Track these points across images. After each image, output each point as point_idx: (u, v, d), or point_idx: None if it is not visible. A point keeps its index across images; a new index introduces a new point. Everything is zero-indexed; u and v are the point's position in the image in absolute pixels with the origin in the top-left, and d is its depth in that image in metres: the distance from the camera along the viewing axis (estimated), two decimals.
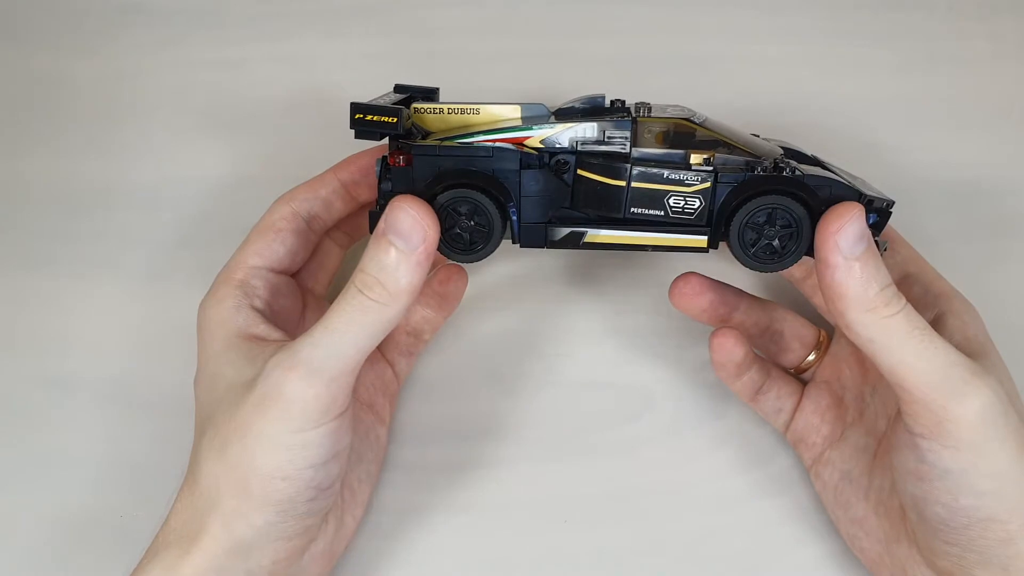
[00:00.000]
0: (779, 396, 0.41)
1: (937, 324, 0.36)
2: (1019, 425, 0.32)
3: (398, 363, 0.43)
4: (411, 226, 0.32)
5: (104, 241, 0.48)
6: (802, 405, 0.41)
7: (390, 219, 0.32)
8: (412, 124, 0.36)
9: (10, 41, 0.52)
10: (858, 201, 0.34)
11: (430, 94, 0.39)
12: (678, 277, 0.40)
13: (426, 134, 0.36)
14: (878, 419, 0.39)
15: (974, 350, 0.34)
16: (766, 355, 0.43)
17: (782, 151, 0.37)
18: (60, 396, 0.45)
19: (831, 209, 0.32)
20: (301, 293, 0.41)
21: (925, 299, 0.37)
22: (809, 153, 0.38)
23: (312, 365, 0.32)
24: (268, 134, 0.50)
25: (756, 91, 0.50)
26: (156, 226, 0.48)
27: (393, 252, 0.32)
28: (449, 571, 0.41)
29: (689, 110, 0.37)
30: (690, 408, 0.44)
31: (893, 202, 0.35)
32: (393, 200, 0.33)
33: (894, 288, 0.32)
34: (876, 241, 0.34)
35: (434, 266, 0.43)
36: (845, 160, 0.46)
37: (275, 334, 0.36)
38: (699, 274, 0.40)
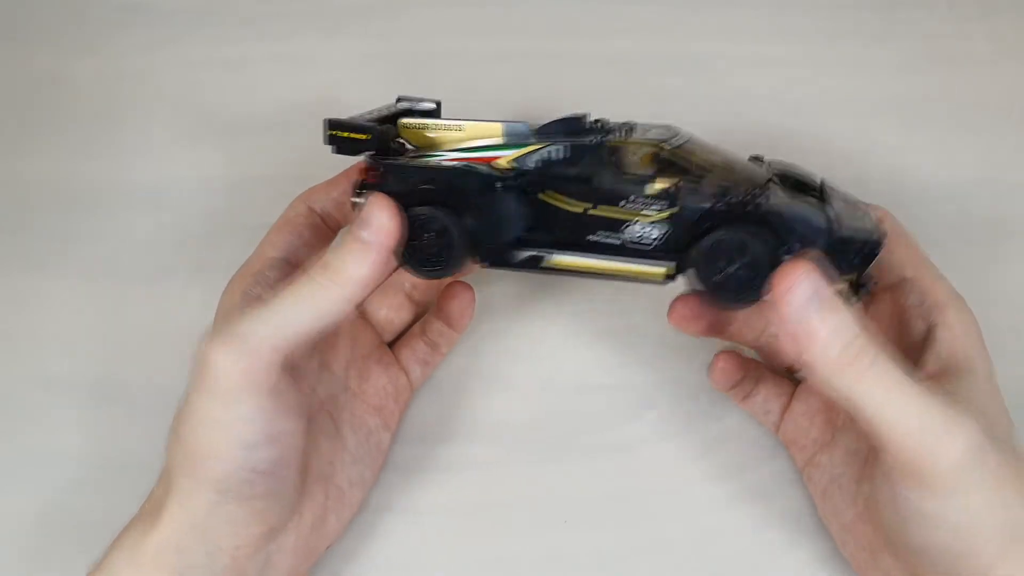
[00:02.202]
0: (767, 398, 0.41)
1: (927, 337, 0.36)
2: (998, 460, 0.31)
3: (413, 371, 0.43)
4: (374, 218, 0.33)
5: (104, 241, 0.48)
6: (792, 407, 0.41)
7: (362, 212, 0.33)
8: (396, 139, 0.36)
9: (10, 41, 0.52)
10: (828, 240, 0.32)
11: (431, 108, 0.39)
12: (677, 299, 0.39)
13: (414, 149, 0.37)
14: None
15: (956, 366, 0.34)
16: (760, 356, 0.43)
17: (770, 178, 0.35)
18: (58, 396, 0.45)
19: (779, 269, 0.31)
20: None
21: (919, 309, 0.37)
22: (817, 178, 0.37)
23: (235, 335, 0.32)
24: (268, 134, 0.50)
25: (756, 91, 0.50)
26: (156, 226, 0.48)
27: (351, 240, 0.33)
28: (448, 571, 0.41)
29: (673, 131, 0.36)
30: (688, 409, 0.44)
31: (879, 241, 0.33)
32: (371, 196, 0.34)
33: (862, 340, 0.31)
34: (861, 283, 0.33)
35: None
36: (845, 160, 0.46)
37: None
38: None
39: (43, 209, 0.49)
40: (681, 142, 0.35)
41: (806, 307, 0.31)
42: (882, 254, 0.37)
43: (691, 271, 0.33)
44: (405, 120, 0.37)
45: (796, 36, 0.51)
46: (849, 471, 0.38)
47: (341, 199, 0.40)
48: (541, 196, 0.34)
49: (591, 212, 0.34)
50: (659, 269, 0.34)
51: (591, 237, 0.34)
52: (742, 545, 0.42)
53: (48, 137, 0.50)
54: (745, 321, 0.41)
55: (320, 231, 0.40)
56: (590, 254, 0.35)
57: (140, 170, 0.50)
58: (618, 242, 0.34)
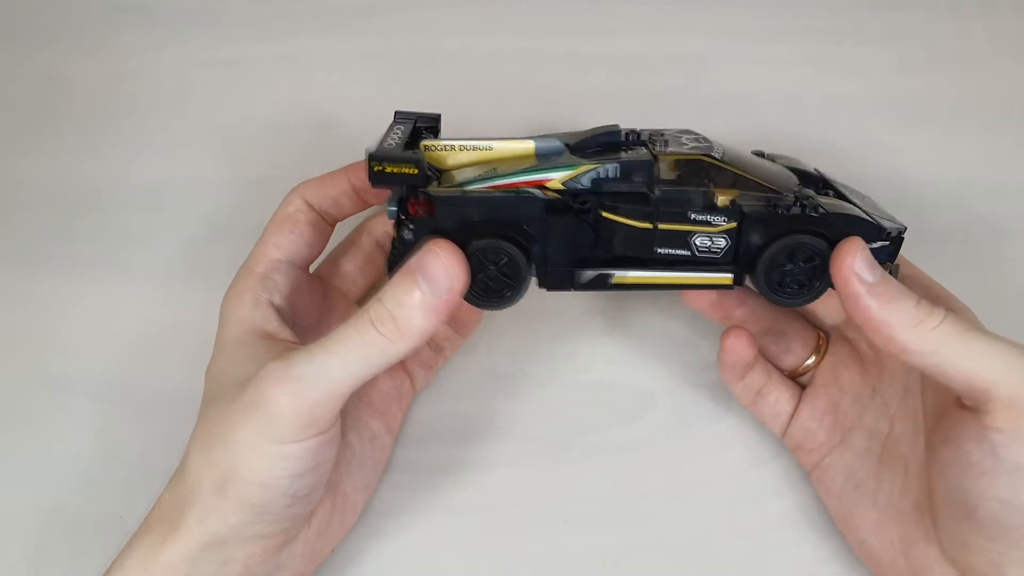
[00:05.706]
0: (777, 400, 0.41)
1: None
2: None
3: (417, 375, 0.43)
4: (442, 274, 0.32)
5: (104, 241, 0.48)
6: (799, 411, 0.41)
7: (424, 261, 0.32)
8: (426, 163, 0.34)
9: (10, 41, 0.52)
10: (879, 235, 0.34)
11: (433, 122, 0.38)
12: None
13: (439, 171, 0.35)
14: (879, 421, 0.39)
15: None
16: (766, 355, 0.43)
17: (797, 179, 0.37)
18: (58, 396, 0.45)
19: (837, 249, 0.33)
20: (324, 290, 0.41)
21: (926, 297, 0.37)
22: (812, 169, 0.38)
23: (301, 383, 0.32)
24: (267, 134, 0.50)
25: (756, 91, 0.50)
26: (156, 226, 0.48)
27: (417, 294, 0.32)
28: (449, 571, 0.41)
29: (705, 141, 0.36)
30: (691, 408, 0.44)
31: (905, 228, 0.35)
32: (430, 242, 0.32)
33: (926, 300, 0.32)
34: (889, 267, 0.34)
35: None
36: (845, 160, 0.46)
37: (284, 332, 0.36)
38: None
39: (43, 209, 0.49)
40: (723, 151, 0.35)
41: (873, 272, 0.32)
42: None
43: (761, 276, 0.34)
44: (427, 143, 0.35)
45: (796, 36, 0.51)
46: (864, 469, 0.38)
47: (340, 198, 0.40)
48: (604, 215, 0.34)
49: (660, 227, 0.34)
50: (726, 276, 0.35)
51: (660, 251, 0.34)
52: (743, 546, 0.42)
53: (47, 137, 0.50)
54: (753, 308, 0.41)
55: (320, 229, 0.40)
56: (659, 268, 0.35)
57: (139, 170, 0.50)
58: (687, 254, 0.35)
